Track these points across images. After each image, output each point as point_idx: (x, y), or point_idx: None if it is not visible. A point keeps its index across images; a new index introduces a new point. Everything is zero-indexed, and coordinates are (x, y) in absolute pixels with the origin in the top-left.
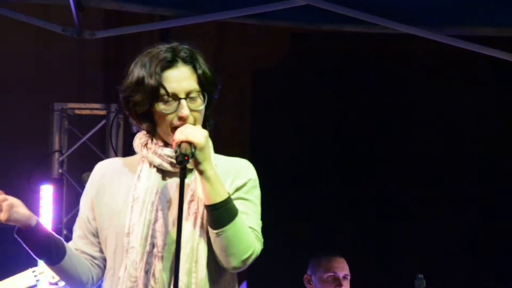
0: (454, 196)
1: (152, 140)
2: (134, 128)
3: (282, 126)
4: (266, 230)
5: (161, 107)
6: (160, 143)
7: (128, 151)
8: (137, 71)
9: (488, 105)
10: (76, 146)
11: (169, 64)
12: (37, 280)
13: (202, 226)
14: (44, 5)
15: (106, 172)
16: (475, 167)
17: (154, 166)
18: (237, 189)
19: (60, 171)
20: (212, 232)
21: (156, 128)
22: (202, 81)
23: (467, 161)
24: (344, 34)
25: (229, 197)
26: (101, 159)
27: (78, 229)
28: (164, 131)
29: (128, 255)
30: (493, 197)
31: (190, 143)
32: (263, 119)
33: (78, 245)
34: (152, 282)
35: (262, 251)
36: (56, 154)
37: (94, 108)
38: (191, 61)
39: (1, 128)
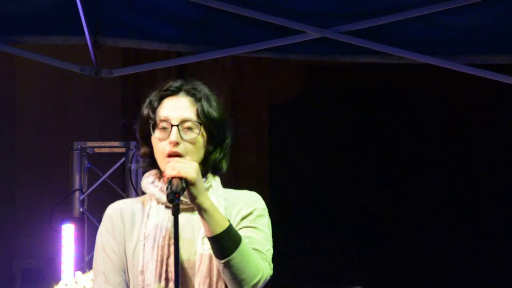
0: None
1: (159, 178)
2: (141, 170)
3: (300, 159)
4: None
5: (154, 133)
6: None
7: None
8: (147, 99)
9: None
10: (96, 184)
11: (171, 93)
12: None
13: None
14: (62, 46)
15: (124, 211)
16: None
17: (162, 203)
18: (243, 218)
19: (81, 210)
20: (219, 263)
21: (152, 155)
22: (201, 114)
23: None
24: (360, 66)
25: (230, 226)
26: (122, 197)
27: (110, 273)
28: (160, 160)
29: None
30: None
31: (181, 178)
32: (281, 152)
33: None
34: None
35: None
36: (77, 193)
37: (113, 146)
38: (194, 93)
39: (22, 167)
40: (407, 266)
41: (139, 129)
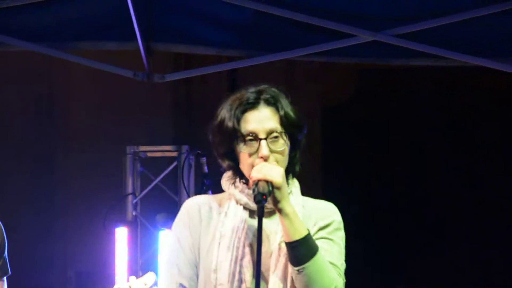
0: None
1: (240, 179)
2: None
3: (353, 163)
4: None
5: (242, 148)
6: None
7: (200, 191)
8: (221, 114)
9: None
10: (149, 188)
11: (251, 105)
12: None
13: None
14: (115, 52)
15: (201, 207)
16: None
17: (241, 204)
18: (320, 229)
19: (134, 213)
20: (293, 270)
21: (238, 167)
22: (284, 122)
23: None
24: (413, 69)
25: (308, 234)
26: (174, 200)
27: (184, 269)
28: (246, 172)
29: None
30: None
31: (267, 182)
32: (334, 156)
33: None
34: None
35: None
36: (130, 197)
37: (165, 150)
38: (274, 103)
39: (76, 172)
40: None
41: (220, 143)
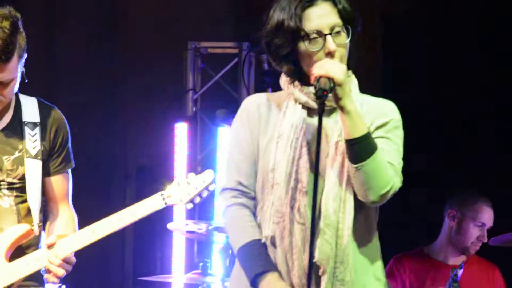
0: None
1: (297, 79)
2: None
3: (415, 72)
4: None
5: (306, 46)
6: (305, 83)
7: (260, 88)
8: (276, 15)
9: None
10: (209, 84)
11: (309, 3)
12: (165, 203)
13: (347, 164)
14: None
15: (260, 106)
16: None
17: (300, 103)
18: (378, 128)
19: (194, 109)
20: (351, 167)
21: (299, 70)
22: (344, 15)
23: None
24: None
25: (368, 133)
26: (233, 97)
27: (243, 168)
28: (311, 71)
29: (273, 191)
30: None
31: (329, 78)
32: (394, 65)
33: (251, 187)
34: (297, 217)
35: None
36: (190, 93)
37: (226, 47)
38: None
39: (137, 66)
40: None
41: (277, 45)
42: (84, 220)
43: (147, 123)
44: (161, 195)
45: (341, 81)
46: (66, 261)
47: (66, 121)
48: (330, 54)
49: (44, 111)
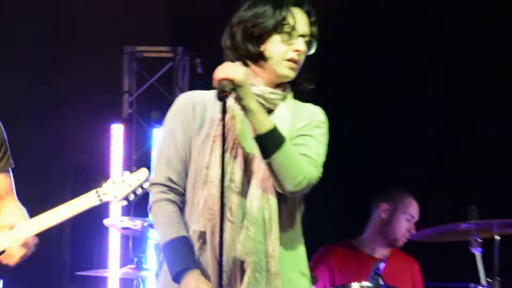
0: None
1: (253, 60)
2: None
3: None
4: None
5: (281, 37)
6: (257, 78)
7: (206, 87)
8: (263, 3)
9: None
10: (144, 87)
11: (299, 4)
12: (100, 200)
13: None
14: None
15: (196, 103)
16: None
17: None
18: (302, 127)
19: (129, 111)
20: (265, 163)
21: (258, 54)
22: (315, 35)
23: None
24: None
25: (274, 128)
26: (168, 100)
27: (172, 163)
28: (275, 60)
29: (207, 188)
30: None
31: (230, 80)
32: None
33: (179, 183)
34: (228, 215)
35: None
36: (126, 95)
37: (161, 51)
38: (308, 12)
39: (73, 70)
40: None
41: (255, 23)
42: None
43: (83, 124)
44: (96, 192)
45: (241, 82)
46: (25, 243)
47: (2, 125)
48: (297, 52)
49: None
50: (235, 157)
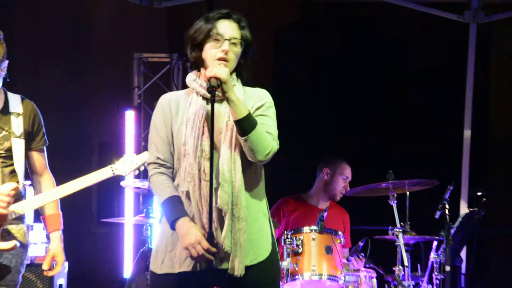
0: None
1: (199, 77)
2: (189, 70)
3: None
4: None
5: (211, 43)
6: (204, 79)
7: (185, 86)
8: (201, 21)
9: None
10: (149, 84)
11: (224, 16)
12: (113, 174)
13: (236, 137)
14: None
15: (171, 101)
16: None
17: (200, 95)
18: (257, 109)
19: (138, 101)
20: (241, 139)
21: (201, 58)
22: (243, 36)
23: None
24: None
25: (249, 113)
26: (166, 92)
27: (160, 147)
28: (210, 61)
29: (185, 160)
30: None
31: (217, 78)
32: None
33: (167, 160)
34: (203, 176)
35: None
36: (136, 90)
37: (161, 57)
38: (238, 21)
39: (97, 71)
40: None
41: (194, 38)
42: (59, 182)
43: (105, 111)
44: (111, 167)
45: (225, 79)
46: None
47: (40, 112)
48: (223, 52)
49: (25, 105)
50: (202, 133)
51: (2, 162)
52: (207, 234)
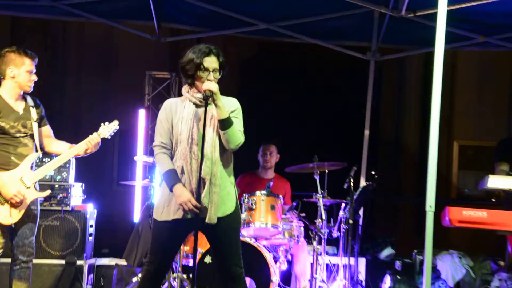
0: None
1: (191, 89)
2: (183, 85)
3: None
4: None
5: (200, 74)
6: (195, 91)
7: (180, 95)
8: (190, 55)
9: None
10: (155, 92)
11: (208, 53)
12: (99, 135)
13: (217, 130)
14: (142, 25)
15: (172, 105)
16: None
17: (192, 102)
18: (231, 112)
19: (148, 103)
20: (221, 133)
21: (193, 82)
22: (221, 66)
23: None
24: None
25: (228, 116)
26: (167, 99)
27: (163, 135)
28: (199, 85)
29: (181, 145)
30: None
31: (209, 90)
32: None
33: (168, 144)
34: (193, 156)
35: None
36: (146, 96)
37: (164, 74)
38: (217, 55)
39: (118, 81)
40: None
41: (187, 69)
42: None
43: (123, 110)
44: (97, 133)
45: (215, 91)
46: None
47: (42, 106)
48: (209, 79)
49: (36, 102)
50: (193, 127)
51: (28, 140)
52: (195, 195)
